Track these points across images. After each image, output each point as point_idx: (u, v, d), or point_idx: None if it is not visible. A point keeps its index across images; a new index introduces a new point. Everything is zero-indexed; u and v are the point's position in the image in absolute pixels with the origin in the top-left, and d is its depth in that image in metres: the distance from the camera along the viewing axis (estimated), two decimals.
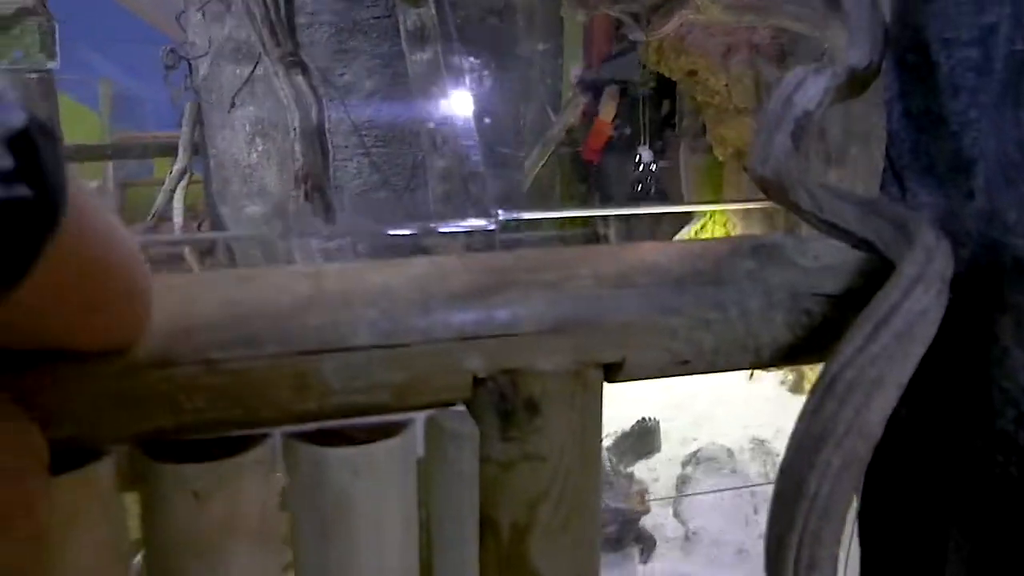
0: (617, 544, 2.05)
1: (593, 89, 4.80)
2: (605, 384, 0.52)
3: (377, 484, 0.49)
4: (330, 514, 0.48)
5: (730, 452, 2.73)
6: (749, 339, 0.54)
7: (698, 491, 2.35)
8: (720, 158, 3.90)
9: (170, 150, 3.34)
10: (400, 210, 1.87)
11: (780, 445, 2.67)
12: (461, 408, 0.51)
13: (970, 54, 0.60)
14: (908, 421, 0.56)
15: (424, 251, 1.76)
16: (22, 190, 0.30)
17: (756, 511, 2.33)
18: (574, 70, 5.01)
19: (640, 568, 2.08)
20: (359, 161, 1.86)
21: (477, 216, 1.85)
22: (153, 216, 3.12)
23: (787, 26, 2.96)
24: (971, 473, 0.55)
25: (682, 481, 2.56)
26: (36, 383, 0.42)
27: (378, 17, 1.93)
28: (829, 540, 0.49)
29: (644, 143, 4.66)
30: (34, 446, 0.40)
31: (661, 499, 2.32)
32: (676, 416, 3.02)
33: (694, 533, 2.23)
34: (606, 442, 2.68)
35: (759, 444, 2.77)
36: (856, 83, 0.61)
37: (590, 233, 5.19)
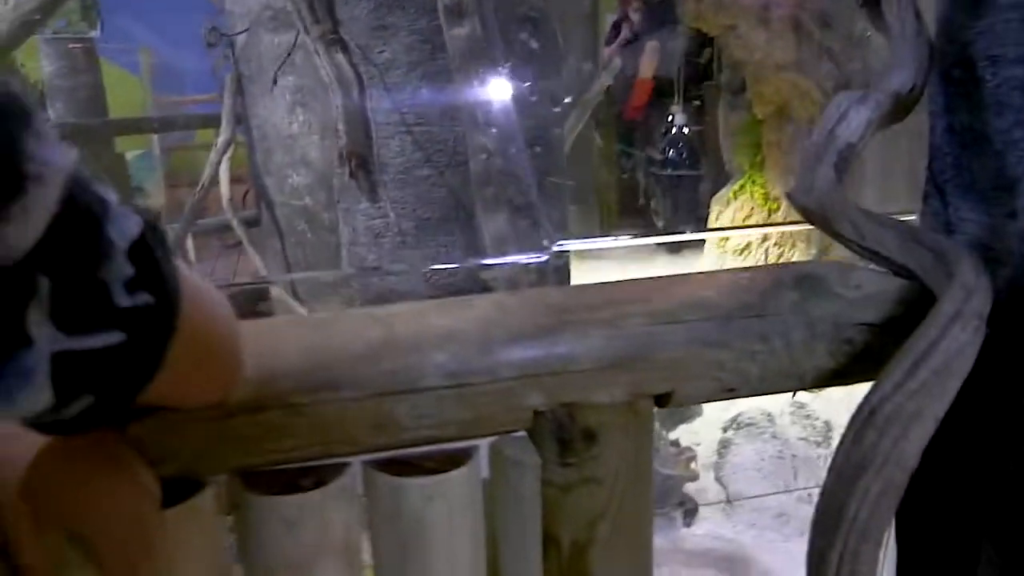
0: (660, 508, 2.11)
1: (628, 47, 4.73)
2: None
3: (449, 508, 0.53)
4: (407, 536, 0.53)
5: (770, 416, 2.76)
6: (793, 367, 0.57)
7: (738, 455, 2.39)
8: (759, 116, 3.84)
9: (213, 121, 3.39)
10: (443, 187, 1.90)
11: (820, 408, 2.69)
12: (522, 434, 0.55)
13: (1017, 73, 0.61)
14: (943, 440, 0.59)
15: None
16: (144, 297, 0.34)
17: (796, 475, 2.37)
18: (608, 32, 4.94)
19: (684, 531, 2.14)
20: (401, 139, 1.89)
21: (519, 191, 1.87)
22: (201, 188, 3.17)
23: None
24: (1004, 492, 0.58)
25: (723, 445, 2.60)
26: (147, 430, 0.46)
27: None
28: (867, 559, 0.53)
29: (678, 102, 4.60)
30: (150, 488, 0.45)
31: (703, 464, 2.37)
32: None
33: (735, 496, 2.28)
34: None
35: (799, 408, 2.79)
36: (899, 108, 0.62)
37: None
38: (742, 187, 4.01)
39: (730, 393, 0.57)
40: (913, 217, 0.73)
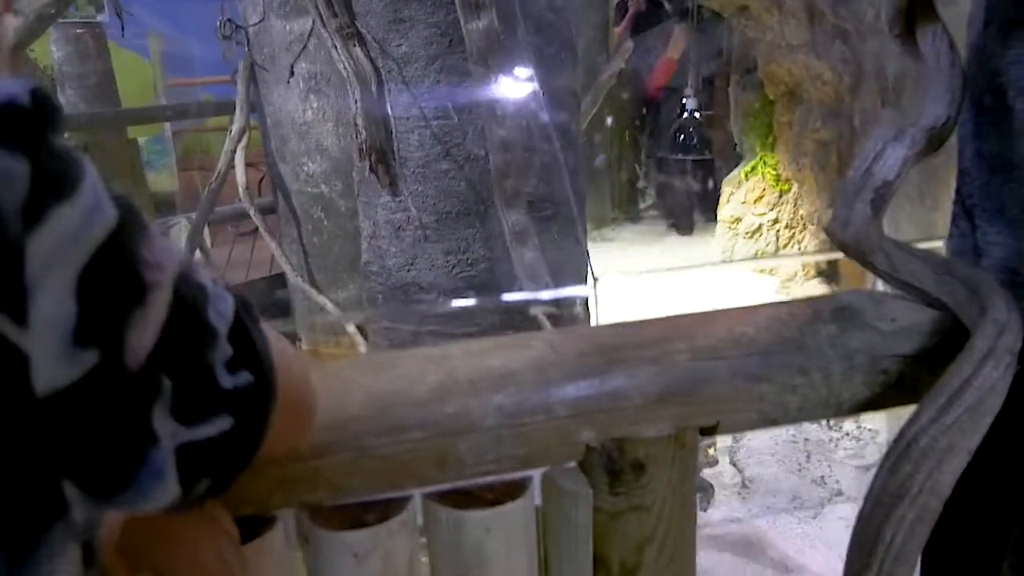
0: None
1: (640, 34, 4.71)
2: None
3: (506, 537, 0.56)
4: (467, 565, 0.56)
5: None
6: (831, 398, 0.59)
7: (753, 439, 2.42)
8: (771, 97, 3.83)
9: (225, 108, 3.39)
10: (463, 180, 1.92)
11: None
12: (572, 465, 0.58)
13: None
14: (973, 470, 0.61)
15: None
16: (246, 377, 0.36)
17: (808, 458, 2.41)
18: (615, 14, 4.91)
19: (701, 515, 2.18)
20: (420, 133, 1.90)
21: (544, 184, 1.89)
22: (217, 176, 3.19)
23: None
24: None
25: None
26: None
27: None
28: None
29: (689, 84, 4.58)
30: (230, 532, 0.48)
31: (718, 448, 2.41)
32: None
33: (751, 480, 2.32)
34: None
35: None
36: (934, 142, 0.64)
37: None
38: (753, 168, 4.01)
39: (771, 423, 0.60)
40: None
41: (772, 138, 3.92)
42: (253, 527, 0.53)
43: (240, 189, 3.05)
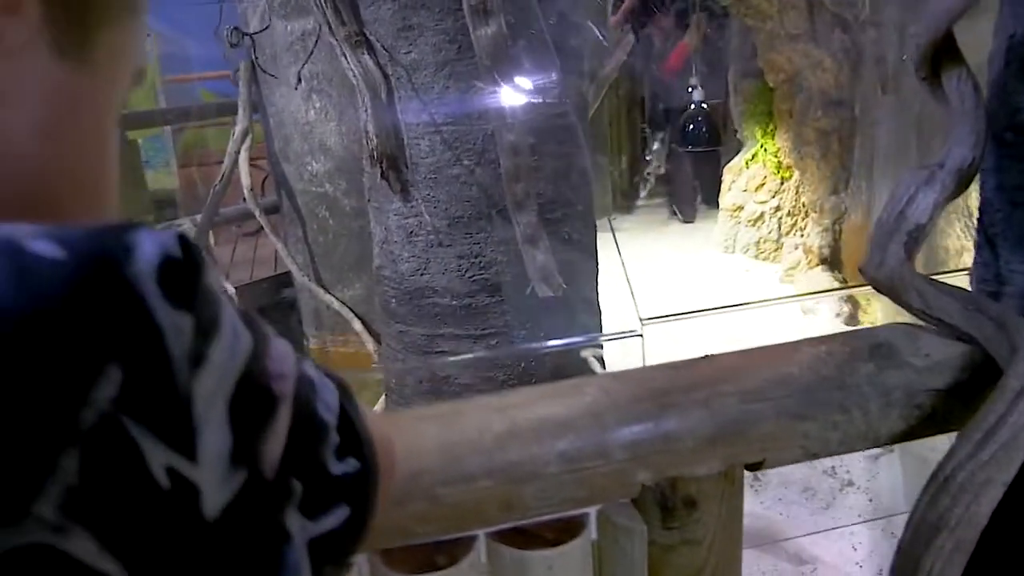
0: None
1: (635, 20, 4.70)
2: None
3: (567, 574, 0.60)
4: None
5: None
6: (869, 432, 0.62)
7: None
8: (771, 85, 3.85)
9: (226, 109, 3.40)
10: (474, 184, 1.94)
11: None
12: (626, 501, 0.61)
13: None
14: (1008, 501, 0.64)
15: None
16: (353, 463, 0.38)
17: None
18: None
19: None
20: (431, 139, 1.92)
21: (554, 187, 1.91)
22: (222, 178, 3.20)
23: None
24: None
25: None
26: None
27: None
28: None
29: (695, 74, 4.59)
30: None
31: None
32: None
33: (762, 472, 2.35)
34: None
35: None
36: (962, 184, 0.67)
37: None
38: (754, 156, 4.03)
39: (813, 457, 0.63)
40: None
41: (772, 125, 3.94)
42: None
43: (245, 191, 3.07)
